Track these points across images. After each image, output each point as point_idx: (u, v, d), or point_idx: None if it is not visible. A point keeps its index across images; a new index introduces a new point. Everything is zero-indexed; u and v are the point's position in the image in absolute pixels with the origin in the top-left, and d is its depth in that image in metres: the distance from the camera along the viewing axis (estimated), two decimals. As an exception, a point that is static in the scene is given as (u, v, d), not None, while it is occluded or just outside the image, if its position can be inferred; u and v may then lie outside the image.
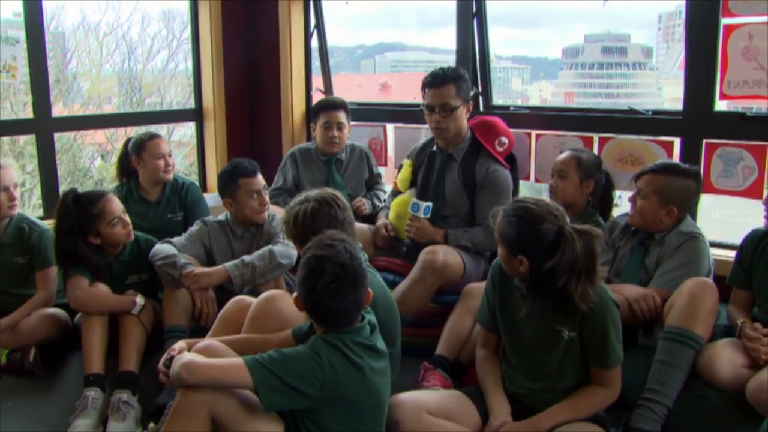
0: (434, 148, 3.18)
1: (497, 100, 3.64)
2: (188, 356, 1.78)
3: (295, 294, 1.86)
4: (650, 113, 3.11)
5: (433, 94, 3.02)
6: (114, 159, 3.58)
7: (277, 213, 3.05)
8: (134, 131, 3.52)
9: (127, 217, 2.83)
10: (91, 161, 8.05)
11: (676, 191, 2.50)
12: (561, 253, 1.91)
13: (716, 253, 2.77)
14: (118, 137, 6.43)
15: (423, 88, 3.08)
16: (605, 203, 3.00)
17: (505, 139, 3.14)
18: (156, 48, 7.72)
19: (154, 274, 2.81)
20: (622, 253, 2.64)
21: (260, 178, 2.91)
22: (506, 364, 2.22)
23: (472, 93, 3.47)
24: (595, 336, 2.00)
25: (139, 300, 2.69)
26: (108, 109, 7.75)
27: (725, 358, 2.14)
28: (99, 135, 7.71)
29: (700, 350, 2.17)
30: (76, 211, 2.71)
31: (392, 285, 2.90)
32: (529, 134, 3.38)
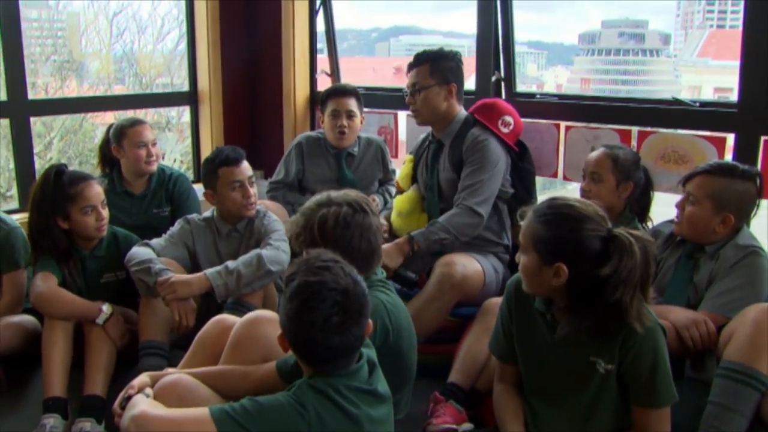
0: (430, 138, 2.94)
1: (521, 87, 3.32)
2: (141, 405, 1.45)
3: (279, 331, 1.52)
4: (698, 105, 2.76)
5: (409, 75, 2.85)
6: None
7: (272, 210, 2.79)
8: (143, 113, 3.24)
9: (104, 211, 2.59)
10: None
11: (733, 196, 2.14)
12: (617, 261, 1.61)
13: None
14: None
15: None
16: (643, 205, 2.64)
17: (509, 118, 2.82)
18: (167, 28, 7.57)
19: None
20: (665, 266, 2.28)
21: (245, 168, 2.64)
22: (527, 403, 1.91)
23: (493, 79, 3.20)
24: (641, 367, 1.69)
25: (106, 308, 2.41)
26: (118, 89, 7.62)
27: (797, 404, 1.80)
28: (108, 116, 7.57)
29: (766, 393, 1.82)
30: (54, 187, 2.52)
31: (406, 297, 2.56)
32: (558, 125, 3.04)
